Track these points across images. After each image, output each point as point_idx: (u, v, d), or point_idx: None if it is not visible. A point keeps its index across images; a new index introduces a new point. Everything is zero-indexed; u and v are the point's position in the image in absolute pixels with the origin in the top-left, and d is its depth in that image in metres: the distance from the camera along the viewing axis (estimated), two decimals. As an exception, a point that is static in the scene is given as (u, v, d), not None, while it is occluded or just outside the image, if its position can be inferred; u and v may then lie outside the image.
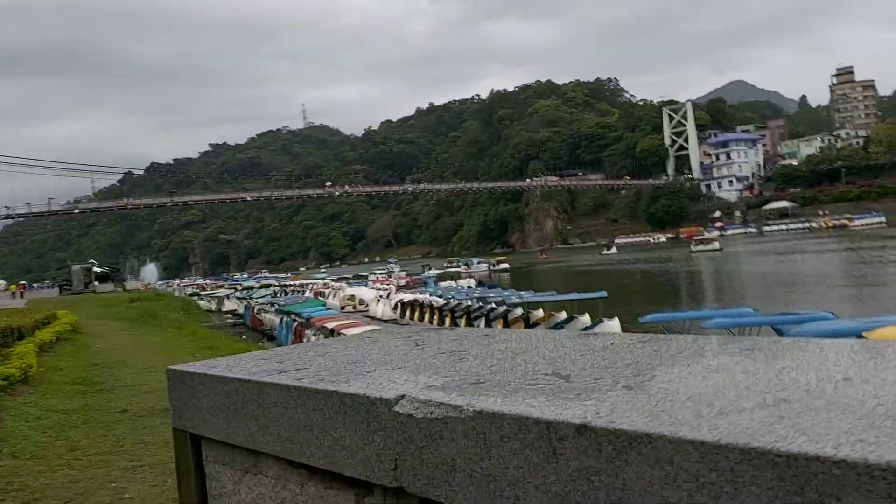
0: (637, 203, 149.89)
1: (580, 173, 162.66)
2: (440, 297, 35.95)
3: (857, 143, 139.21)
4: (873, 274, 40.70)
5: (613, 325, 22.23)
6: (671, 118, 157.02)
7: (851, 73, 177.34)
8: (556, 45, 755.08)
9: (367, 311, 39.88)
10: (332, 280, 64.53)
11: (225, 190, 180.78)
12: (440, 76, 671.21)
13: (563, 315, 24.69)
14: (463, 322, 28.32)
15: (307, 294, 51.19)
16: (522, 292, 28.42)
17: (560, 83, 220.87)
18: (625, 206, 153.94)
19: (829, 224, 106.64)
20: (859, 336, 12.73)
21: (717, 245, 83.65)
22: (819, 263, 53.33)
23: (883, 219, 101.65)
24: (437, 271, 76.81)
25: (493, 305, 29.02)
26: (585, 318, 24.14)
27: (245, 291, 62.84)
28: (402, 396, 1.12)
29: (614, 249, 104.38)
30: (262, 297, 51.10)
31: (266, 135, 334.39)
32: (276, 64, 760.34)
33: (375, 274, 74.38)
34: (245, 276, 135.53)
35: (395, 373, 1.33)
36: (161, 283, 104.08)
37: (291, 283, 72.54)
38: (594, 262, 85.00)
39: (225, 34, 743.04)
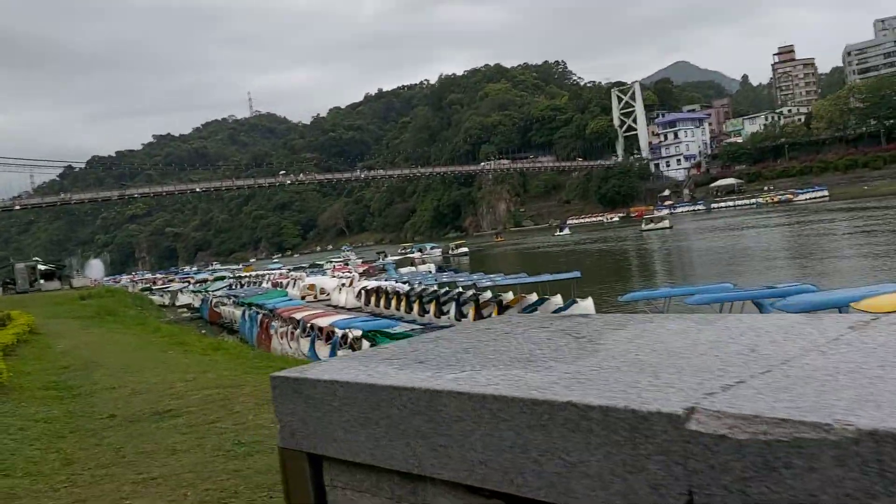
0: (588, 184, 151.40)
1: (532, 156, 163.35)
2: (405, 283, 35.57)
3: (799, 119, 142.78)
4: (828, 246, 41.64)
5: (587, 305, 22.11)
6: (620, 99, 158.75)
7: (792, 52, 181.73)
8: (504, 28, 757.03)
9: (328, 300, 39.26)
10: (290, 270, 63.41)
11: (171, 182, 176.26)
12: (389, 61, 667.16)
13: (534, 297, 24.50)
14: (432, 308, 27.98)
15: (265, 285, 50.17)
16: (493, 275, 28.16)
17: (509, 67, 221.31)
18: (576, 187, 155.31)
19: (775, 199, 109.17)
20: (846, 307, 12.81)
21: (666, 223, 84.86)
22: (770, 238, 54.46)
23: (826, 193, 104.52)
24: (397, 257, 76.25)
25: (461, 290, 28.75)
26: (557, 300, 23.96)
27: (199, 285, 61.34)
28: (692, 409, 0.87)
29: (566, 230, 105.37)
30: (219, 289, 49.92)
31: (212, 124, 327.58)
32: (220, 50, 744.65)
33: (332, 262, 73.30)
34: (195, 269, 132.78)
35: (636, 375, 1.07)
36: (108, 279, 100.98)
37: (245, 274, 71.08)
38: (550, 244, 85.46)
39: (166, 18, 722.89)
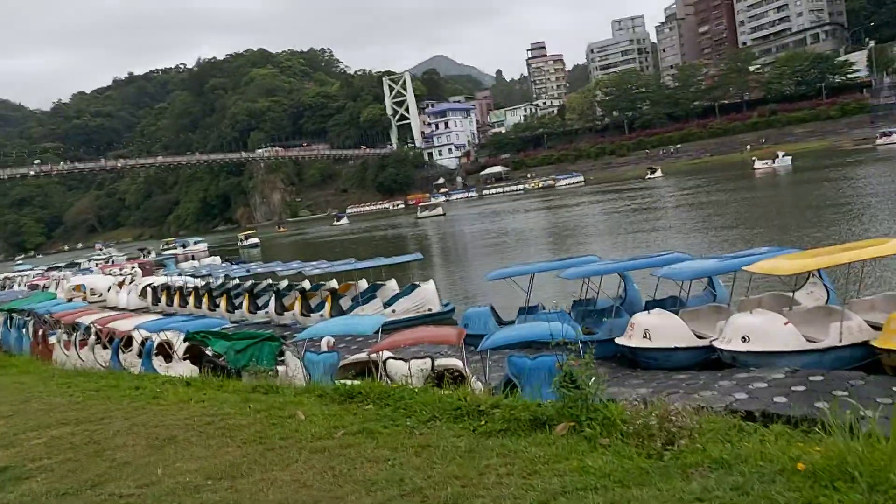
0: (365, 172, 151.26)
1: (305, 143, 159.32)
2: (194, 276, 31.96)
3: (554, 111, 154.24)
4: (596, 223, 44.52)
5: (429, 289, 20.86)
6: (391, 88, 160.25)
7: (544, 48, 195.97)
8: (267, 14, 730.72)
9: (102, 300, 34.23)
10: (46, 270, 55.09)
11: None
12: (142, 45, 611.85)
13: (365, 283, 22.75)
14: (245, 303, 25.06)
15: (18, 287, 42.84)
16: (319, 262, 25.82)
17: (274, 52, 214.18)
18: (353, 175, 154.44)
19: (539, 185, 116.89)
20: (738, 271, 12.73)
21: (441, 210, 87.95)
22: (537, 219, 57.94)
23: (581, 178, 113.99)
24: (174, 251, 69.56)
25: (270, 282, 26.11)
26: (393, 284, 22.49)
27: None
28: None
29: (345, 220, 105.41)
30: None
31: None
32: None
33: (94, 260, 65.18)
34: None
35: None
36: None
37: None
38: (332, 233, 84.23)
39: None
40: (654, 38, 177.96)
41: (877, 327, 11.11)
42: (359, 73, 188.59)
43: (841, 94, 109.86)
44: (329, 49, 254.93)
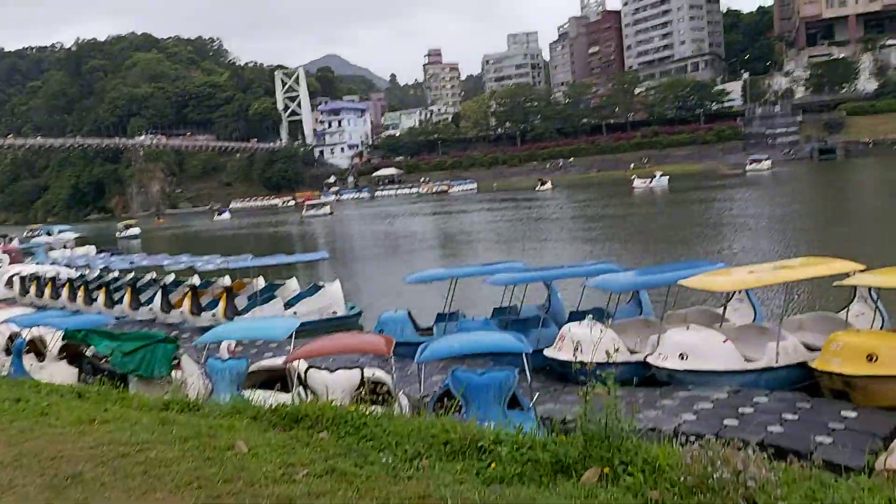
0: (252, 167, 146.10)
1: (189, 133, 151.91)
2: (69, 267, 29.15)
3: (449, 118, 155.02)
4: (486, 229, 44.50)
5: (335, 290, 19.63)
6: (284, 83, 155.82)
7: (440, 55, 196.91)
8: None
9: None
10: None
11: None
12: (11, 17, 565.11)
13: (262, 282, 21.21)
14: (101, 296, 22.85)
15: None
16: (212, 256, 23.80)
17: (160, 38, 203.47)
18: (238, 169, 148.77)
19: (433, 189, 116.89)
20: (674, 284, 12.41)
21: (328, 209, 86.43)
22: (436, 223, 57.63)
23: (475, 186, 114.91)
24: (49, 239, 63.57)
25: (155, 277, 24.00)
26: (293, 284, 21.10)
27: None
28: None
29: (227, 214, 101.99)
30: None
31: None
32: None
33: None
34: None
35: None
36: None
37: None
38: (215, 228, 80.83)
39: None
40: (547, 55, 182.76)
41: (810, 347, 11.06)
42: (250, 64, 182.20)
43: (717, 121, 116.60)
44: (219, 38, 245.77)
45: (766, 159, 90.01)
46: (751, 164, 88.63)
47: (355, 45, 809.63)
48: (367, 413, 5.40)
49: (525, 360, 9.00)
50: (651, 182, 76.45)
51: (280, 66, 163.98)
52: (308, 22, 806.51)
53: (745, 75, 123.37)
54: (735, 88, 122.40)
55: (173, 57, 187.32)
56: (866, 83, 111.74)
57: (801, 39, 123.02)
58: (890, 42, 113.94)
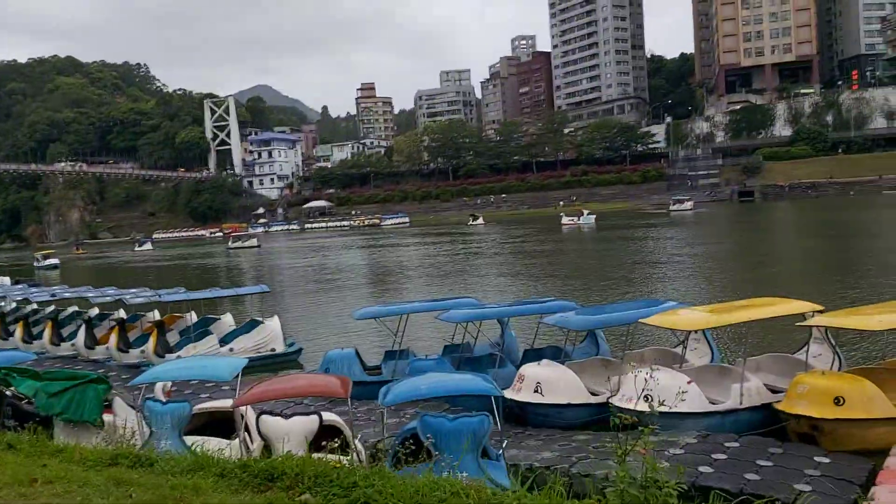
0: (177, 196, 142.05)
1: (111, 160, 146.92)
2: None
3: (381, 151, 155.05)
4: (416, 264, 44.20)
5: (273, 325, 18.77)
6: (213, 112, 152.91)
7: (373, 89, 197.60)
8: (78, 21, 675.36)
9: None
10: None
11: None
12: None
13: (194, 316, 20.13)
14: (18, 330, 21.32)
15: None
16: (141, 289, 22.46)
17: (84, 62, 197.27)
18: (163, 199, 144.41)
19: (365, 222, 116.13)
20: (634, 323, 12.21)
21: (255, 241, 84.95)
22: (371, 257, 56.88)
23: (407, 219, 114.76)
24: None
25: (77, 310, 22.54)
26: (229, 319, 20.11)
27: None
28: None
29: (148, 245, 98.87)
30: None
31: None
32: None
33: None
34: None
35: None
36: None
37: None
38: (136, 259, 77.80)
39: None
40: (479, 92, 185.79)
41: (770, 389, 10.99)
42: (178, 92, 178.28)
43: (643, 162, 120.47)
44: (146, 64, 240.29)
45: (688, 200, 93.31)
46: (674, 204, 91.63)
47: (287, 75, 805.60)
48: (351, 470, 4.83)
49: (495, 404, 8.51)
50: (579, 220, 77.90)
51: (210, 95, 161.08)
52: (239, 51, 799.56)
53: (669, 119, 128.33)
54: (659, 131, 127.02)
55: (98, 82, 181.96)
56: (782, 129, 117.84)
57: (721, 86, 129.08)
58: (804, 91, 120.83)
